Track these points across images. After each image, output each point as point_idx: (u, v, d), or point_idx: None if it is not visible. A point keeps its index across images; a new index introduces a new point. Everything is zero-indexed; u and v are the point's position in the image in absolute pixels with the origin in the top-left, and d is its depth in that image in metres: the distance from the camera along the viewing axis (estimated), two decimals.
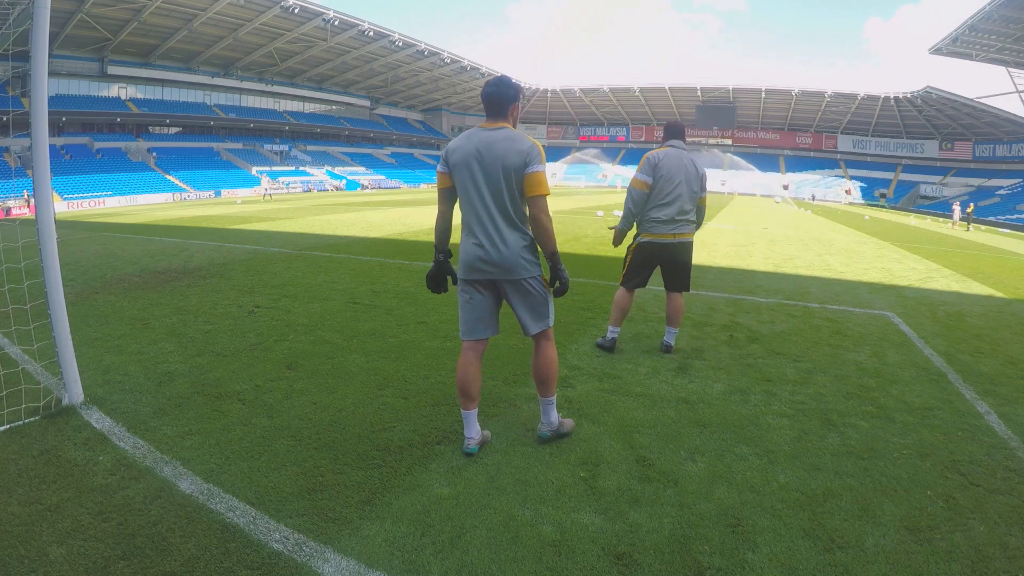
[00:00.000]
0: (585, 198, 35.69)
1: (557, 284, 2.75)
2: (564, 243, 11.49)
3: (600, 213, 20.83)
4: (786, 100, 63.42)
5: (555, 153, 76.77)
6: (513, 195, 2.65)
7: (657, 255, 4.34)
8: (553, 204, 26.21)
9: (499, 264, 2.68)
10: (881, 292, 7.52)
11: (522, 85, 67.16)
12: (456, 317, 5.38)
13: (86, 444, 2.84)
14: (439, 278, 2.90)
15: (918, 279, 8.82)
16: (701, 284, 7.55)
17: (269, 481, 2.52)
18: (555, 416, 2.95)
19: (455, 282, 2.86)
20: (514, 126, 2.75)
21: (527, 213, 2.71)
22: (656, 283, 4.94)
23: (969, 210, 29.90)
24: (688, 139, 4.37)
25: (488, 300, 2.79)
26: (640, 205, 4.24)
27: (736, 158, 65.78)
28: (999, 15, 35.93)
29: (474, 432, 2.82)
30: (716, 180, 64.76)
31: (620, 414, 3.30)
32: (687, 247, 4.36)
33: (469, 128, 2.78)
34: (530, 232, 2.73)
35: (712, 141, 70.69)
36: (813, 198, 57.90)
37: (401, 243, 11.31)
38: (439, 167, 2.79)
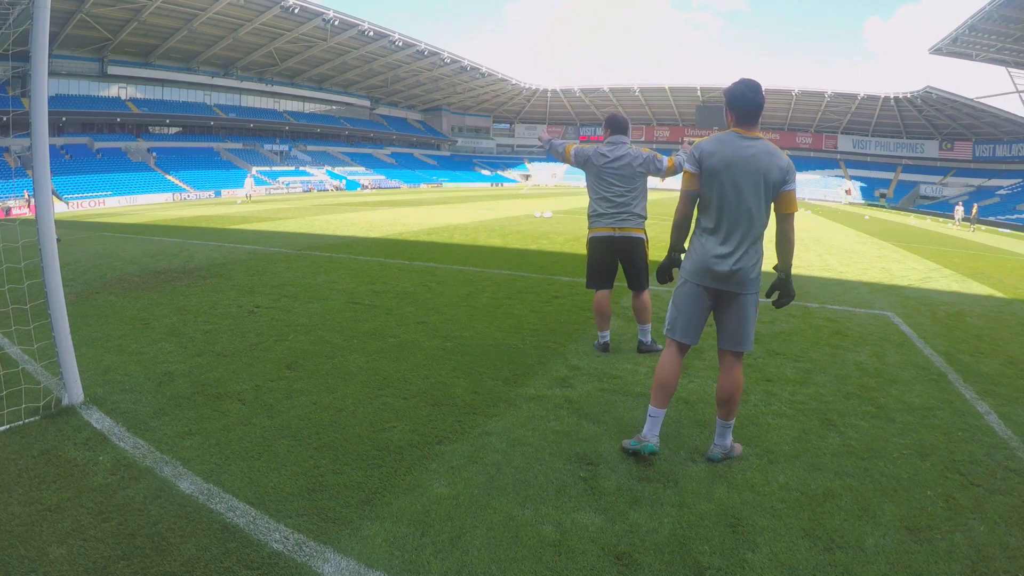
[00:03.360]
0: (585, 198, 35.59)
1: (783, 297, 2.78)
2: (565, 243, 11.50)
3: None
4: (786, 100, 63.37)
5: None
6: (767, 208, 2.65)
7: (604, 249, 4.36)
8: (553, 204, 26.29)
9: (731, 275, 2.65)
10: (881, 292, 7.52)
11: (523, 85, 67.45)
12: (456, 317, 5.42)
13: (86, 444, 2.84)
14: (669, 269, 2.86)
15: (918, 279, 8.82)
16: None
17: (269, 481, 2.52)
18: (729, 439, 2.81)
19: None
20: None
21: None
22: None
23: (974, 211, 29.85)
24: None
25: (708, 307, 2.75)
26: (554, 149, 4.53)
27: None
28: (999, 15, 35.91)
29: (655, 430, 2.75)
30: None
31: (620, 414, 3.30)
32: (632, 242, 4.31)
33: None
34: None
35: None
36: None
37: (401, 243, 11.31)
38: (690, 167, 2.67)
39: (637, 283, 4.40)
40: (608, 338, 4.49)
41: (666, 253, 2.84)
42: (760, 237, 2.68)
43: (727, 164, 2.58)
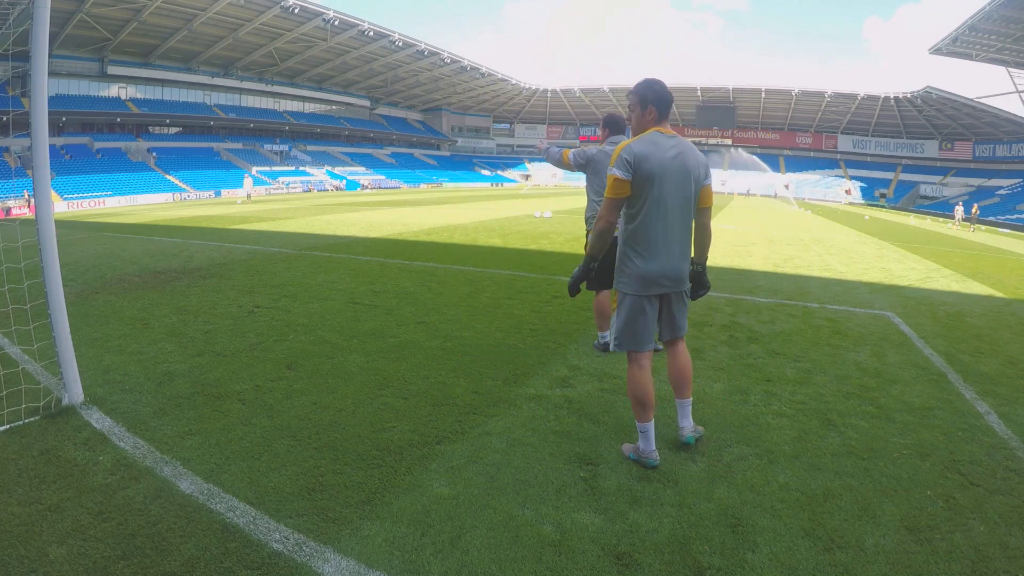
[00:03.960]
0: (585, 198, 35.61)
1: (700, 289, 2.87)
2: (564, 243, 11.50)
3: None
4: (786, 100, 63.39)
5: None
6: (695, 205, 2.70)
7: (606, 251, 4.34)
8: (553, 204, 26.29)
9: (677, 277, 2.69)
10: (881, 292, 7.52)
11: (523, 85, 67.43)
12: (456, 317, 5.42)
13: (86, 444, 2.84)
14: (580, 282, 2.87)
15: (918, 279, 8.82)
16: None
17: (269, 481, 2.52)
18: (691, 417, 2.91)
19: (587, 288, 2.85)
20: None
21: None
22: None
23: (974, 211, 29.84)
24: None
25: (656, 309, 2.75)
26: (552, 157, 4.45)
27: (757, 159, 64.84)
28: (999, 15, 35.91)
29: (651, 445, 2.72)
30: (716, 180, 64.72)
31: (620, 414, 3.30)
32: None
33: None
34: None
35: (712, 141, 70.64)
36: (781, 189, 57.51)
37: (401, 243, 11.31)
38: (621, 173, 2.55)
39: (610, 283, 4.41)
40: (608, 338, 4.49)
41: (583, 263, 2.82)
42: (691, 232, 2.77)
43: (661, 166, 2.55)
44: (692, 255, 2.80)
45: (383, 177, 54.51)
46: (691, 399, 2.90)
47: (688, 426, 2.89)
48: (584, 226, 4.45)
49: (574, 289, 2.87)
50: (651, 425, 2.71)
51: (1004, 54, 42.50)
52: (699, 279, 2.86)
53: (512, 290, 6.71)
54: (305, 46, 46.78)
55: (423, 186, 54.03)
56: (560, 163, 4.45)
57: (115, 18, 35.97)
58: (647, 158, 2.54)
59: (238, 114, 49.68)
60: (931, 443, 3.05)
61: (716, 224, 18.20)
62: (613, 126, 4.40)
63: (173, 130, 47.14)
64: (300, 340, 4.61)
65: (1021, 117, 49.18)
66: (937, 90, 51.54)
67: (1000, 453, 2.95)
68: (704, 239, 2.81)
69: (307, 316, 5.37)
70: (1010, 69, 44.86)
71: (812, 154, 68.55)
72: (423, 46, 49.97)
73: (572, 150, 4.43)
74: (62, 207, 28.13)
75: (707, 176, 2.70)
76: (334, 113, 60.08)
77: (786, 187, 58.51)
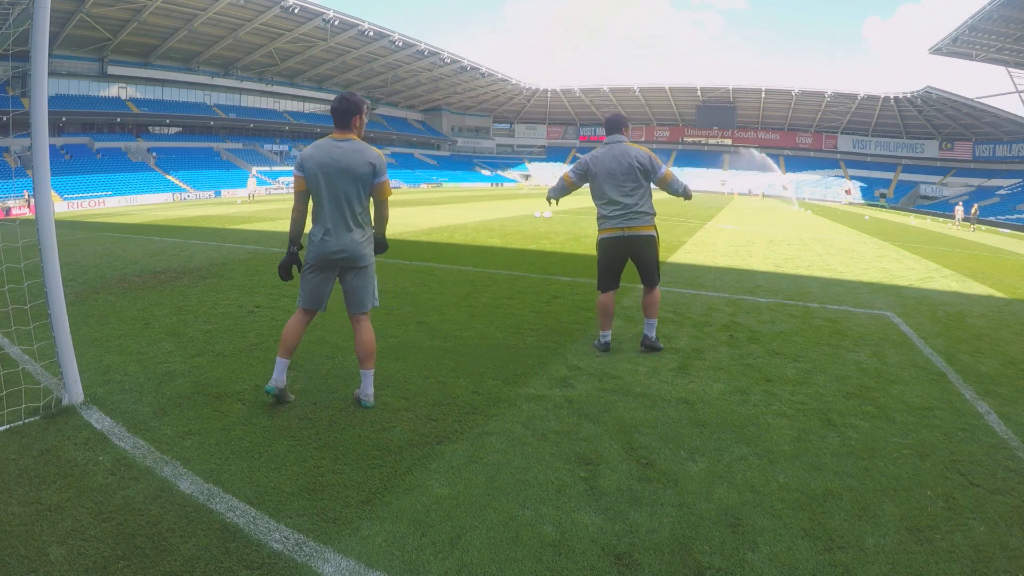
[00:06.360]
0: (585, 198, 35.59)
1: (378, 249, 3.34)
2: (565, 243, 11.50)
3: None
4: (786, 100, 63.40)
5: (556, 153, 76.76)
6: (361, 199, 3.18)
7: (615, 251, 4.39)
8: (553, 205, 26.23)
9: (347, 252, 3.18)
10: (881, 292, 7.52)
11: (523, 85, 67.36)
12: (456, 317, 5.42)
13: (86, 444, 2.84)
14: (289, 267, 3.34)
15: (918, 279, 8.82)
16: (701, 284, 7.55)
17: (269, 481, 2.52)
18: (372, 388, 3.33)
19: (300, 270, 3.32)
20: (359, 136, 3.24)
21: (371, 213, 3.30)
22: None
23: (974, 211, 29.84)
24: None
25: (327, 281, 3.28)
26: (558, 192, 4.63)
27: (767, 158, 64.47)
28: (999, 15, 35.92)
29: (280, 379, 3.26)
30: (716, 180, 64.74)
31: (620, 414, 3.30)
32: (642, 240, 4.33)
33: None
34: (369, 229, 3.28)
35: (712, 141, 70.65)
36: (763, 192, 57.56)
37: (401, 243, 11.30)
38: (295, 171, 3.21)
39: (650, 279, 4.43)
40: (609, 338, 4.49)
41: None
42: (360, 222, 3.22)
43: (323, 166, 3.11)
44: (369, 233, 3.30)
45: None
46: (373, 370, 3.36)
47: (365, 391, 3.33)
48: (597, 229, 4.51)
49: (285, 272, 3.33)
50: (286, 363, 3.27)
51: (1004, 54, 42.51)
52: (378, 245, 3.38)
53: (512, 290, 6.71)
54: (305, 46, 46.78)
55: (423, 186, 54.01)
56: (568, 187, 4.56)
57: (115, 18, 35.97)
58: (311, 158, 3.16)
59: (238, 114, 49.67)
60: (931, 443, 3.05)
61: (716, 224, 18.21)
62: (608, 126, 4.45)
63: (173, 130, 47.13)
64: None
65: (1021, 117, 49.20)
66: (937, 90, 51.55)
67: (1000, 453, 2.95)
68: (380, 222, 3.36)
69: None
70: (1010, 69, 44.88)
71: (812, 154, 68.57)
72: (423, 46, 49.98)
73: (569, 169, 4.56)
74: (62, 207, 28.13)
75: (376, 175, 3.16)
76: None
77: (785, 187, 58.48)
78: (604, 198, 4.34)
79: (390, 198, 3.32)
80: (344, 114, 3.18)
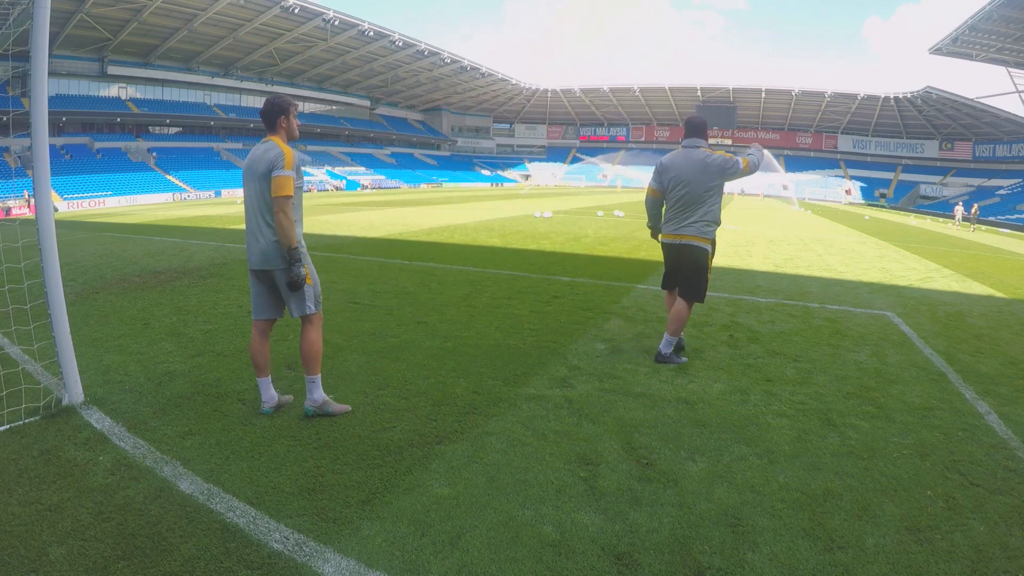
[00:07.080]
0: (585, 198, 35.72)
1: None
2: (564, 243, 11.50)
3: (600, 213, 20.84)
4: (786, 100, 63.41)
5: (556, 153, 76.78)
6: (269, 201, 3.01)
7: (668, 255, 4.38)
8: (553, 205, 26.29)
9: (262, 256, 3.07)
10: (881, 292, 7.51)
11: (523, 85, 67.30)
12: (455, 317, 5.42)
13: (86, 444, 2.84)
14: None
15: (918, 279, 8.82)
16: None
17: (269, 481, 2.52)
18: (319, 394, 3.19)
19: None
20: (286, 136, 3.13)
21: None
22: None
23: (974, 211, 29.84)
24: (687, 139, 4.34)
25: (266, 288, 3.18)
26: (652, 207, 4.50)
27: (772, 158, 64.47)
28: (999, 15, 35.92)
29: (269, 396, 3.23)
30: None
31: (620, 414, 3.30)
32: (688, 249, 4.18)
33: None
34: None
35: (712, 141, 70.61)
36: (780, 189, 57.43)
37: (401, 243, 11.31)
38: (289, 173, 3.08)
39: (683, 291, 4.27)
40: (682, 342, 4.44)
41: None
42: (264, 222, 3.06)
43: (244, 171, 3.12)
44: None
45: (383, 177, 54.53)
46: (318, 377, 3.20)
47: (312, 399, 3.18)
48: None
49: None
50: (268, 380, 3.22)
51: (1004, 54, 42.51)
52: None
53: (512, 290, 6.71)
54: (305, 46, 46.79)
55: (423, 186, 54.04)
56: (657, 202, 4.44)
57: (115, 18, 35.98)
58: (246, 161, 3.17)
59: (238, 114, 49.69)
60: (931, 443, 3.05)
61: None
62: (687, 129, 4.32)
63: (173, 130, 47.16)
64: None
65: (1021, 117, 49.20)
66: (937, 90, 51.55)
67: (1000, 453, 2.95)
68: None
69: None
70: (1010, 69, 44.88)
71: (812, 154, 68.58)
72: (423, 46, 49.99)
73: (649, 184, 4.46)
74: (62, 207, 28.14)
75: (272, 170, 2.95)
76: (334, 113, 60.09)
77: (785, 187, 58.45)
78: (668, 201, 4.30)
79: (282, 196, 2.92)
80: (267, 115, 3.12)
